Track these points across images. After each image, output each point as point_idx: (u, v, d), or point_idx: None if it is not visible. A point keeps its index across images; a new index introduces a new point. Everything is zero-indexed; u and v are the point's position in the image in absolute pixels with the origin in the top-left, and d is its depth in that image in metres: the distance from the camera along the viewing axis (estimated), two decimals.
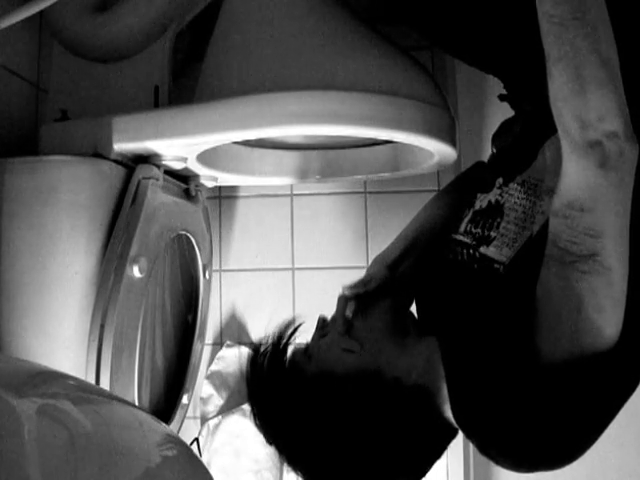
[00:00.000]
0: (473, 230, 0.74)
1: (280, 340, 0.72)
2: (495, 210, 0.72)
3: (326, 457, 0.67)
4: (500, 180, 0.74)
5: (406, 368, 0.67)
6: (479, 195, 0.76)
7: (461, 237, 0.76)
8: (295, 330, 0.74)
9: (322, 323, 0.77)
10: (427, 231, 0.89)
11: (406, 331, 0.73)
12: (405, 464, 0.67)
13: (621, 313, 0.58)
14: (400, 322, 0.74)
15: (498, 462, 0.62)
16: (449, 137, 0.88)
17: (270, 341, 0.72)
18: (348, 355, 0.70)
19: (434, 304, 0.77)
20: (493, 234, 0.70)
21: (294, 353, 0.73)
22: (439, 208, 0.92)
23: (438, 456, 0.69)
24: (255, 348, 0.73)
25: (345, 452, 0.65)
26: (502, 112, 0.91)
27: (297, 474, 0.69)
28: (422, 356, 0.68)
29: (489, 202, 0.74)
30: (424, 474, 0.69)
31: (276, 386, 0.70)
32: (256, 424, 0.70)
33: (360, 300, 0.77)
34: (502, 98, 0.90)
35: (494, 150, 0.88)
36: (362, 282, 0.79)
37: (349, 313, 0.75)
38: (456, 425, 0.66)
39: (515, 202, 0.70)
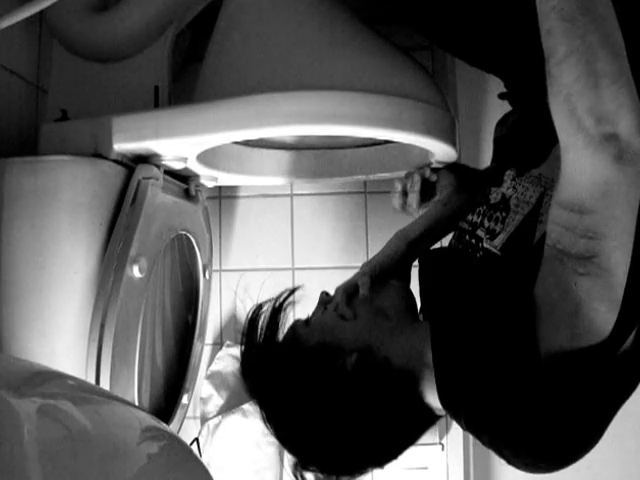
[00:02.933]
0: (479, 221, 0.74)
1: (277, 301, 0.74)
2: (502, 204, 0.72)
3: (302, 425, 0.67)
4: (512, 173, 0.74)
5: (397, 350, 0.68)
6: (492, 187, 0.76)
7: (467, 226, 0.76)
8: (292, 292, 0.75)
9: (325, 297, 0.78)
10: (449, 215, 0.89)
11: (406, 314, 0.73)
12: (381, 443, 0.68)
13: (618, 306, 0.57)
14: (403, 304, 0.75)
15: (507, 460, 0.62)
16: (449, 137, 0.88)
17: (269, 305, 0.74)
18: (342, 324, 0.71)
19: (435, 290, 0.77)
20: (498, 228, 0.70)
21: (295, 321, 0.75)
22: (464, 193, 0.92)
23: (415, 439, 0.70)
24: (255, 308, 0.74)
25: (323, 422, 0.66)
26: (502, 112, 0.92)
27: (272, 432, 0.69)
28: (415, 341, 0.68)
29: (497, 195, 0.74)
30: (397, 455, 0.69)
31: (268, 348, 0.72)
32: (244, 385, 0.72)
33: (373, 276, 0.78)
34: (502, 96, 0.90)
35: (503, 131, 0.89)
36: (378, 263, 0.80)
37: (364, 291, 0.75)
38: (437, 412, 0.67)
39: (526, 196, 0.69)
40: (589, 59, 0.53)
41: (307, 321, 0.74)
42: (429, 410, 0.67)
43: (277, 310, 0.73)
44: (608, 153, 0.53)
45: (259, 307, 0.74)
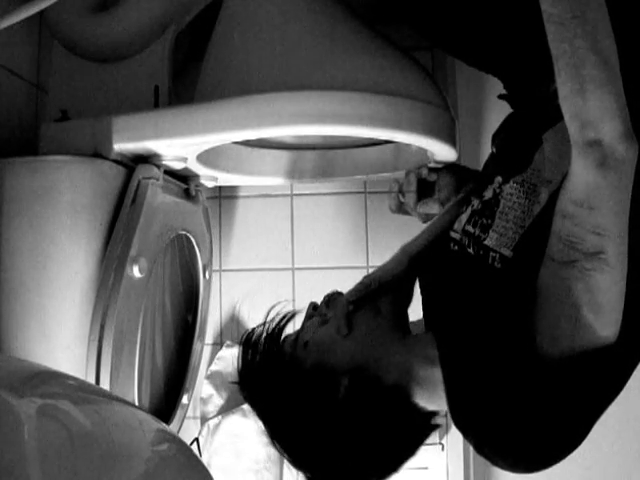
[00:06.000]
0: (468, 229, 0.74)
1: (273, 325, 0.74)
2: (488, 211, 0.72)
3: (304, 444, 0.68)
4: (499, 179, 0.74)
5: (387, 367, 0.68)
6: (478, 195, 0.77)
7: (455, 234, 0.77)
8: (289, 317, 0.75)
9: (312, 308, 0.78)
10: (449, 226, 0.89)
11: (400, 329, 0.73)
12: (381, 457, 0.68)
13: (620, 313, 0.58)
14: (397, 320, 0.75)
15: (494, 461, 0.62)
16: (449, 137, 0.88)
17: (264, 327, 0.74)
18: (334, 345, 0.71)
19: (434, 300, 0.77)
20: (484, 235, 0.71)
21: (285, 338, 0.74)
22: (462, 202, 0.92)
23: (415, 449, 0.70)
24: (249, 333, 0.74)
25: (323, 441, 0.67)
26: (502, 112, 0.91)
27: (277, 447, 0.70)
28: (404, 356, 0.68)
29: (483, 203, 0.74)
30: (400, 465, 0.69)
31: (263, 371, 0.72)
32: (244, 398, 0.73)
33: (371, 287, 0.78)
34: (502, 97, 0.90)
35: (494, 150, 0.89)
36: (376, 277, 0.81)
37: (348, 297, 0.76)
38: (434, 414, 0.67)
39: (514, 201, 0.70)
40: (576, 64, 0.53)
41: (297, 336, 0.74)
42: (426, 415, 0.68)
43: (273, 336, 0.74)
44: (592, 158, 0.54)
45: (252, 331, 0.75)
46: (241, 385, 0.73)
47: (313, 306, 0.78)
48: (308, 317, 0.77)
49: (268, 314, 0.75)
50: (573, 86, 0.53)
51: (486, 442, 0.61)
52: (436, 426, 0.69)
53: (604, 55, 0.53)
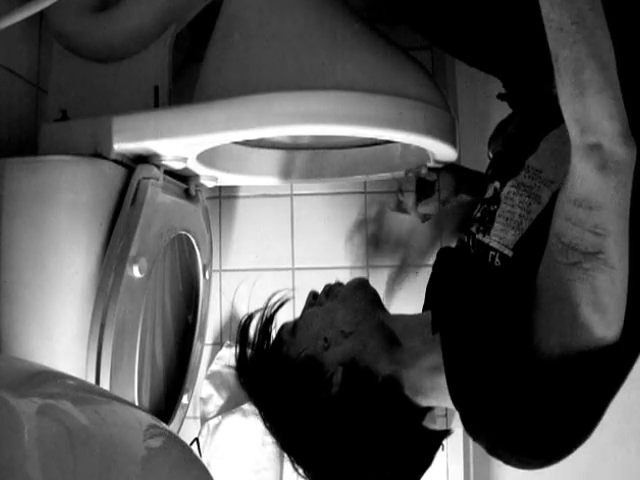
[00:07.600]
0: (470, 229, 0.75)
1: (270, 312, 0.75)
2: (488, 215, 0.73)
3: (295, 428, 0.69)
4: (497, 185, 0.74)
5: (380, 365, 0.68)
6: (480, 199, 0.77)
7: (465, 237, 0.77)
8: (283, 303, 0.75)
9: (312, 297, 0.78)
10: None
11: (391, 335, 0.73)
12: (377, 456, 0.68)
13: (622, 313, 0.58)
14: (384, 336, 0.74)
15: (508, 461, 0.62)
16: (449, 137, 0.88)
17: (262, 313, 0.75)
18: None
19: (439, 298, 0.77)
20: (486, 236, 0.71)
21: (282, 326, 0.75)
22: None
23: (421, 452, 0.69)
24: (246, 320, 0.75)
25: (314, 429, 0.67)
26: (502, 112, 0.92)
27: (271, 433, 0.71)
28: (408, 368, 0.68)
29: (485, 203, 0.75)
30: (409, 470, 0.69)
31: (258, 358, 0.73)
32: (241, 385, 0.74)
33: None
34: (501, 97, 0.90)
35: (490, 155, 0.89)
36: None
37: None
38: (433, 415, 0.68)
39: (514, 202, 0.70)
40: (576, 68, 0.53)
41: (295, 324, 0.74)
42: (424, 410, 0.68)
43: (268, 321, 0.74)
44: (593, 162, 0.54)
45: (249, 317, 0.75)
46: (238, 372, 0.74)
47: (313, 295, 0.79)
48: (308, 305, 0.77)
49: (268, 301, 0.76)
50: (573, 91, 0.54)
51: (499, 444, 0.61)
52: (447, 432, 0.69)
53: (603, 60, 0.53)
